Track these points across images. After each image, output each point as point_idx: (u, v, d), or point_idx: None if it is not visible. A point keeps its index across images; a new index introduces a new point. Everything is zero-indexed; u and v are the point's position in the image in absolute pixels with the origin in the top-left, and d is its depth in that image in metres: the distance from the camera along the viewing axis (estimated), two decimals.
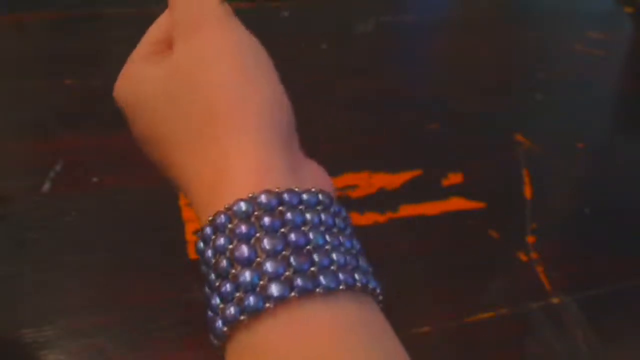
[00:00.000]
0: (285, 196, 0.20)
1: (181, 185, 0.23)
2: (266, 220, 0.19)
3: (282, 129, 0.23)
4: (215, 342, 0.20)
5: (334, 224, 0.21)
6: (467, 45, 0.66)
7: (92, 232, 0.41)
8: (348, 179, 0.47)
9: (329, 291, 0.19)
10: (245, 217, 0.19)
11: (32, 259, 0.39)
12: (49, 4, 0.60)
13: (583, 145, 0.54)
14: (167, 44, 0.26)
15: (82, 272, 0.38)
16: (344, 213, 0.22)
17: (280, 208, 0.20)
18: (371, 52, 0.62)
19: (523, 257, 0.43)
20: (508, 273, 0.42)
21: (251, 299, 0.18)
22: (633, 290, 0.43)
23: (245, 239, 0.19)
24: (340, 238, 0.21)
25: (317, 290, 0.18)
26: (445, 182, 0.48)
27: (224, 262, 0.19)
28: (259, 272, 0.19)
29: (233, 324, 0.19)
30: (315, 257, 0.19)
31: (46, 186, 0.43)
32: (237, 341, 0.19)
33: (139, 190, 0.43)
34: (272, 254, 0.19)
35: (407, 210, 0.45)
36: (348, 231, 0.22)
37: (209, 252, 0.20)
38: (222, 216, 0.20)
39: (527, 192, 0.49)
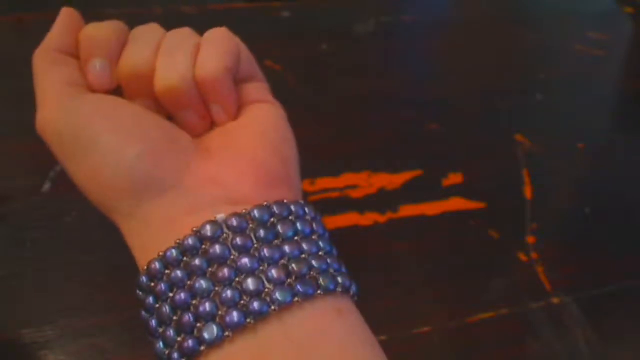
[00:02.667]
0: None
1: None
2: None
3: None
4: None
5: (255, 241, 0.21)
6: (467, 45, 0.66)
7: (92, 232, 0.41)
8: (348, 179, 0.47)
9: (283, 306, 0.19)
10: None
11: (32, 259, 0.39)
12: (49, 4, 0.60)
13: (583, 145, 0.54)
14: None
15: (82, 272, 0.38)
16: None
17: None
18: (371, 52, 0.62)
19: (523, 257, 0.43)
20: (508, 273, 0.42)
21: (213, 328, 0.19)
22: (633, 290, 0.43)
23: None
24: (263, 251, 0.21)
25: (273, 307, 0.19)
26: (445, 182, 0.48)
27: (182, 295, 0.20)
28: (217, 301, 0.19)
29: (191, 356, 0.19)
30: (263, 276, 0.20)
31: (46, 186, 0.43)
32: None
33: None
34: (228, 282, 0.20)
35: (407, 210, 0.45)
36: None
37: (162, 286, 0.20)
38: (173, 250, 0.21)
39: (527, 192, 0.49)
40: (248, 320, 0.19)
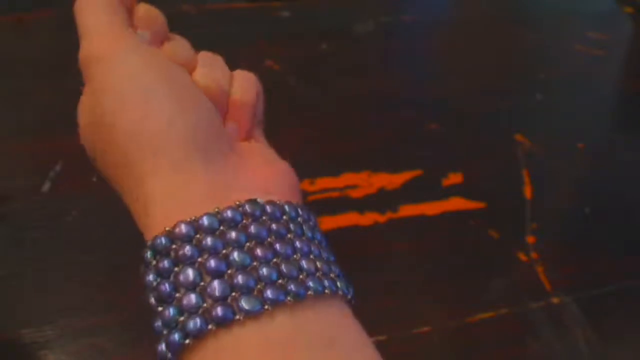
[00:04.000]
0: (204, 220, 0.20)
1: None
2: (186, 250, 0.20)
3: (208, 149, 0.23)
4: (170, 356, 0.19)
5: (268, 234, 0.20)
6: (467, 45, 0.66)
7: (92, 232, 0.41)
8: (348, 179, 0.47)
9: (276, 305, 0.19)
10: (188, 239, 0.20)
11: (32, 259, 0.39)
12: (49, 4, 0.60)
13: (583, 145, 0.54)
14: None
15: (82, 272, 0.38)
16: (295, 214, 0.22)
17: (198, 236, 0.20)
18: (371, 52, 0.62)
19: (523, 257, 0.43)
20: (508, 273, 0.42)
21: (197, 321, 0.18)
22: (633, 290, 0.43)
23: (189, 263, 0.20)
24: (278, 247, 0.20)
25: (267, 307, 0.18)
26: (445, 182, 0.48)
27: (167, 286, 0.19)
28: (203, 295, 0.19)
29: (177, 348, 0.19)
30: (263, 271, 0.19)
31: (46, 186, 0.43)
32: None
33: None
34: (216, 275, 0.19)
35: (407, 210, 0.45)
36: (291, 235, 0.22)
37: (150, 276, 0.20)
38: (163, 239, 0.20)
39: (527, 192, 0.49)
40: (288, 298, 0.19)
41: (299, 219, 0.22)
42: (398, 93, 0.58)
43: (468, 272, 0.42)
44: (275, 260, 0.20)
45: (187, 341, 0.18)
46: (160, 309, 0.20)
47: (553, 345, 0.39)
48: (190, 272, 0.19)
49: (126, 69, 0.24)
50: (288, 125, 0.49)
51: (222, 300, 0.18)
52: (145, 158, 0.22)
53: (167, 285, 0.20)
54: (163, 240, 0.20)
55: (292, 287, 0.19)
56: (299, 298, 0.19)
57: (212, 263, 0.19)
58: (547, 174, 0.51)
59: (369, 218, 0.45)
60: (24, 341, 0.34)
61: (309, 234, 0.22)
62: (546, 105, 0.59)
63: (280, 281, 0.19)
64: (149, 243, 0.21)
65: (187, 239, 0.20)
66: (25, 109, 0.50)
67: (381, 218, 0.45)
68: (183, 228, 0.20)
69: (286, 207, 0.21)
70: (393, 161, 0.49)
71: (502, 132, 0.55)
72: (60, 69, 0.54)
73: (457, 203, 0.47)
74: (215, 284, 0.19)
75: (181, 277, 0.19)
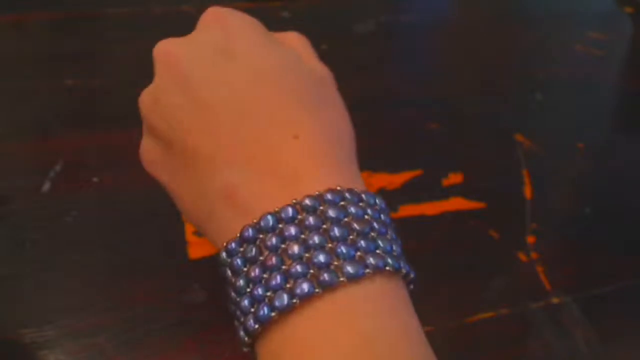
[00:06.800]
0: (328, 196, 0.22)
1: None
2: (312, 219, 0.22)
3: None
4: (246, 339, 0.22)
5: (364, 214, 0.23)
6: (467, 45, 0.66)
7: (92, 232, 0.41)
8: None
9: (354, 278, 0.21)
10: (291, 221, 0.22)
11: (32, 259, 0.39)
12: (49, 4, 0.60)
13: (583, 145, 0.54)
14: None
15: (82, 272, 0.38)
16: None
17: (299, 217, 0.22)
18: (371, 52, 0.62)
19: (523, 257, 0.43)
20: (508, 273, 0.42)
21: (284, 297, 0.20)
22: (633, 290, 0.43)
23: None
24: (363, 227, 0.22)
25: (341, 279, 0.20)
26: (445, 182, 0.48)
27: (274, 259, 0.21)
28: (287, 274, 0.21)
29: (264, 322, 0.21)
30: (342, 248, 0.21)
31: (46, 186, 0.43)
32: (269, 339, 0.21)
33: (139, 190, 0.43)
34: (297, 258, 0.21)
35: (407, 210, 0.45)
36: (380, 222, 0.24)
37: (273, 240, 0.22)
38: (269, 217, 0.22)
39: (527, 192, 0.49)
40: (367, 270, 0.21)
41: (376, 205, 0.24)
42: (398, 93, 0.58)
43: (468, 272, 0.42)
44: (372, 234, 0.22)
45: (294, 300, 0.20)
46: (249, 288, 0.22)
47: (553, 345, 0.39)
48: (296, 248, 0.21)
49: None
50: None
51: (325, 267, 0.21)
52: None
53: (297, 247, 0.21)
54: (270, 220, 0.22)
55: (390, 259, 0.22)
56: (396, 269, 0.22)
57: (316, 239, 0.21)
58: (547, 174, 0.51)
59: None
60: (24, 341, 0.34)
61: (386, 219, 0.24)
62: (546, 105, 0.59)
63: (378, 251, 0.22)
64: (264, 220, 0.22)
65: (291, 220, 0.22)
66: (25, 109, 0.50)
67: None
68: (289, 211, 0.22)
69: (364, 196, 0.23)
70: (393, 161, 0.49)
71: (502, 132, 0.55)
72: (60, 68, 0.54)
73: (457, 203, 0.47)
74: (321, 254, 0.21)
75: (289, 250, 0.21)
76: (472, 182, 0.49)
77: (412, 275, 0.23)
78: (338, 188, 0.22)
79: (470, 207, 0.46)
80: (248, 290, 0.21)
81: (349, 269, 0.20)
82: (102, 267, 0.39)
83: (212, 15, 0.28)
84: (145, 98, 0.27)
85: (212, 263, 0.40)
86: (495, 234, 0.45)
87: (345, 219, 0.22)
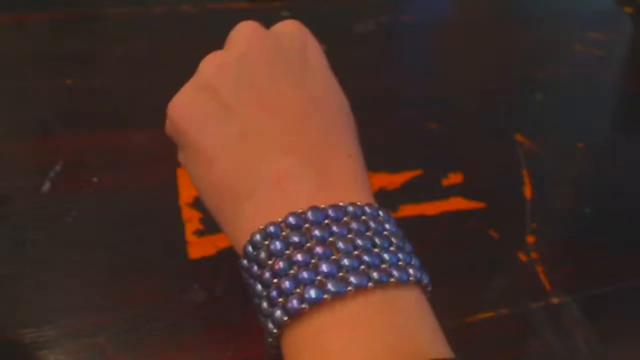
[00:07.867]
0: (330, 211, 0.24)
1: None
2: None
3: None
4: (275, 330, 0.22)
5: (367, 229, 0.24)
6: (467, 45, 0.66)
7: (92, 232, 0.41)
8: None
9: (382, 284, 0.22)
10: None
11: (32, 259, 0.39)
12: (49, 4, 0.60)
13: (583, 145, 0.54)
14: None
15: (82, 272, 0.38)
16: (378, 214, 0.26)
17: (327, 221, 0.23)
18: (371, 52, 0.62)
19: (523, 257, 0.43)
20: (508, 273, 0.42)
21: (312, 292, 0.21)
22: (633, 290, 0.43)
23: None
24: (377, 239, 0.24)
25: (369, 284, 0.22)
26: (445, 182, 0.48)
27: (282, 264, 0.22)
28: (316, 271, 0.22)
29: (292, 315, 0.21)
30: (366, 257, 0.23)
31: (46, 186, 0.43)
32: (293, 335, 0.22)
33: (139, 190, 0.43)
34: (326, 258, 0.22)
35: (407, 210, 0.45)
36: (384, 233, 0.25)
37: (277, 245, 0.23)
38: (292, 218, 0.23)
39: (527, 192, 0.49)
40: (391, 280, 0.22)
41: (379, 217, 0.26)
42: (398, 93, 0.58)
43: (468, 272, 0.42)
44: (376, 250, 0.23)
45: (304, 305, 0.21)
46: (292, 272, 0.22)
47: (553, 345, 0.39)
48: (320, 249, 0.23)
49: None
50: None
51: (331, 276, 0.22)
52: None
53: (300, 255, 0.22)
54: (293, 220, 0.23)
55: (394, 272, 0.23)
56: (402, 281, 0.23)
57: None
58: (547, 174, 0.51)
59: None
60: (24, 341, 0.34)
61: (391, 229, 0.25)
62: (546, 105, 0.59)
63: (383, 265, 0.23)
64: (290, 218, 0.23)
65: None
66: (25, 109, 0.50)
67: None
68: (309, 214, 0.23)
69: (367, 209, 0.25)
70: (393, 161, 0.49)
71: (502, 132, 0.55)
72: (60, 68, 0.54)
73: (457, 203, 0.47)
74: (325, 264, 0.22)
75: (318, 249, 0.23)
76: (472, 182, 0.49)
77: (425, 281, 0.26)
78: (375, 205, 0.25)
79: (470, 207, 0.46)
80: (284, 276, 0.22)
81: (395, 273, 0.23)
82: (102, 267, 0.39)
83: (295, 28, 0.33)
84: (220, 60, 0.28)
85: (212, 263, 0.40)
86: (495, 234, 0.45)
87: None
